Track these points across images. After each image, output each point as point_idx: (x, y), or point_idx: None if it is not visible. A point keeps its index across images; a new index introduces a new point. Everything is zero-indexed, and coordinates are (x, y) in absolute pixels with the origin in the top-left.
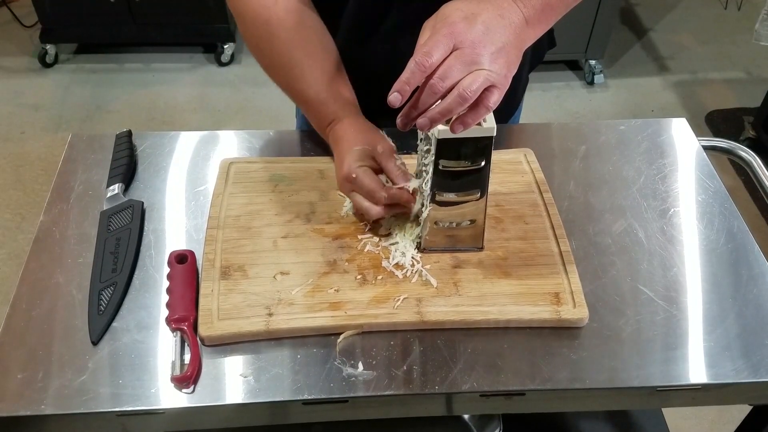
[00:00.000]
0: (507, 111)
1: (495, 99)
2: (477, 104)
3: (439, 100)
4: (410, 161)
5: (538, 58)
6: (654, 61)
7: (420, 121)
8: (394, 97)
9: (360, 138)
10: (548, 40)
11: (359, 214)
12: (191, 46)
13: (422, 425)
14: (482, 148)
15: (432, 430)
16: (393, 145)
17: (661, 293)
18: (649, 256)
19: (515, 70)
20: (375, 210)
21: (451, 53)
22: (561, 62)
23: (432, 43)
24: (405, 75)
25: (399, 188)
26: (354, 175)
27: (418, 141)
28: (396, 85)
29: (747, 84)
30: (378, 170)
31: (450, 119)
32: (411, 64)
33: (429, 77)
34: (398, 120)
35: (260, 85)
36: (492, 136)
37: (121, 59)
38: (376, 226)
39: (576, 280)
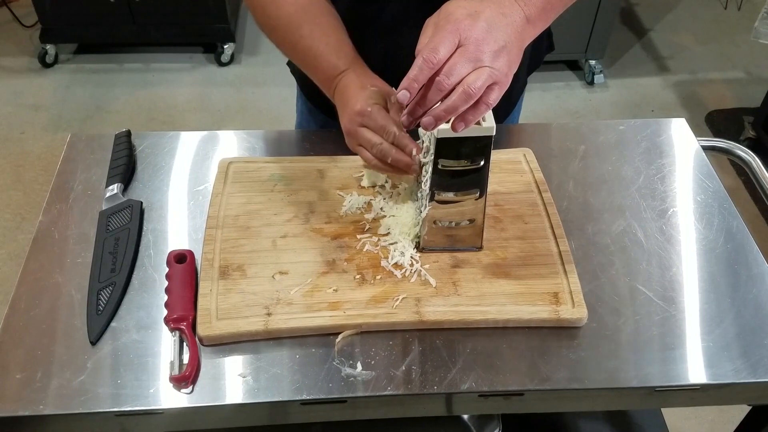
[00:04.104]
0: (503, 111)
1: (495, 96)
2: (478, 102)
3: (440, 99)
4: None
5: (536, 61)
6: (654, 61)
7: (425, 119)
8: (403, 95)
9: (374, 82)
10: (547, 43)
11: (370, 162)
12: (191, 46)
13: (421, 425)
14: (481, 147)
15: (431, 430)
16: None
17: (660, 293)
18: (648, 256)
19: (516, 68)
20: (384, 145)
21: (455, 50)
22: (561, 62)
23: (438, 40)
24: (413, 72)
25: (408, 137)
26: (369, 109)
27: (419, 142)
28: (404, 83)
29: (747, 84)
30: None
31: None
32: (419, 61)
33: (435, 74)
34: (403, 118)
35: (260, 85)
36: (491, 136)
37: (121, 59)
38: (375, 226)
39: (575, 280)
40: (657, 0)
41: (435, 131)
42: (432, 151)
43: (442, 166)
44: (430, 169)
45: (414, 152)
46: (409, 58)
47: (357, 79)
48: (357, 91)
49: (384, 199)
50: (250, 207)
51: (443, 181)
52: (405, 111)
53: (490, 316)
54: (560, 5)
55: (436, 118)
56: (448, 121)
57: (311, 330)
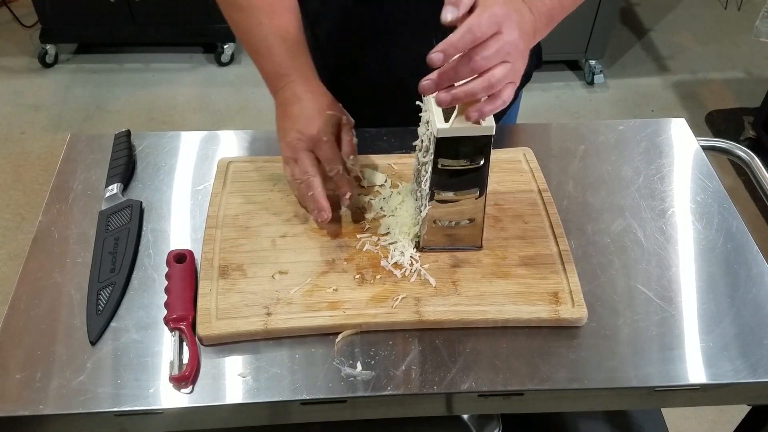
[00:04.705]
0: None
1: (509, 94)
2: (495, 96)
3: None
4: (408, 161)
5: (526, 76)
6: (654, 61)
7: (442, 95)
8: (437, 56)
9: (328, 103)
10: (537, 59)
11: (294, 180)
12: (191, 46)
13: (421, 425)
14: (481, 146)
15: (431, 430)
16: (353, 120)
17: (660, 293)
18: (647, 256)
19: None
20: (317, 180)
21: (491, 37)
22: (561, 62)
23: (486, 17)
24: (454, 37)
25: (348, 184)
26: (325, 139)
27: (418, 141)
28: (441, 45)
29: (747, 84)
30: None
31: (449, 115)
32: (463, 28)
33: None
34: (425, 83)
35: (260, 85)
36: (491, 135)
37: (121, 59)
38: (374, 225)
39: (575, 280)
40: (657, 0)
41: (435, 131)
42: (431, 150)
43: (442, 165)
44: (430, 169)
45: (347, 195)
46: (407, 61)
47: (312, 96)
48: (314, 113)
49: (384, 198)
50: (250, 207)
51: (443, 180)
52: (428, 77)
53: (490, 315)
54: (560, 17)
55: (453, 96)
56: (447, 120)
57: (311, 330)
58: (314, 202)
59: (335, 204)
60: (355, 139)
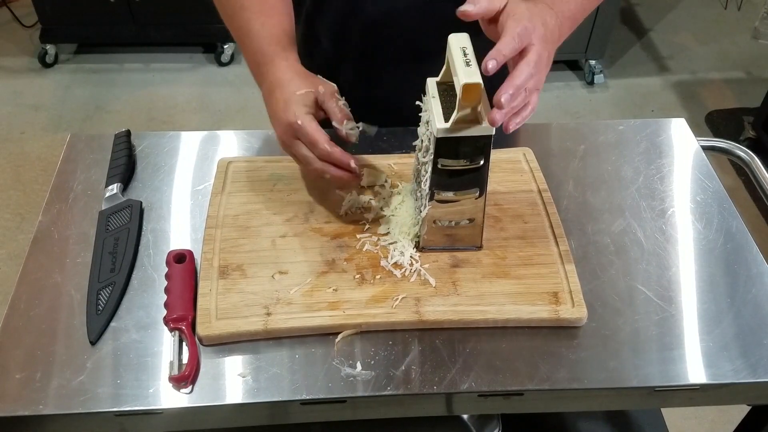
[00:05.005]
0: None
1: (536, 100)
2: (525, 105)
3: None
4: (408, 161)
5: None
6: (654, 61)
7: (498, 117)
8: (492, 64)
9: (300, 82)
10: None
11: (304, 167)
12: (191, 46)
13: (421, 425)
14: (481, 146)
15: (431, 430)
16: (334, 85)
17: (660, 293)
18: (647, 256)
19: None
20: (318, 163)
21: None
22: (561, 62)
23: (529, 26)
24: (503, 43)
25: (342, 152)
26: (300, 122)
27: (417, 141)
28: (493, 53)
29: (747, 84)
30: (322, 119)
31: (449, 116)
32: (513, 34)
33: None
34: (497, 116)
35: None
36: (491, 135)
37: (121, 59)
38: (374, 225)
39: (575, 280)
40: (657, 0)
41: (434, 130)
42: (431, 150)
43: (442, 165)
44: (430, 169)
45: (352, 164)
46: (394, 52)
47: (285, 74)
48: (285, 101)
49: (384, 198)
50: (250, 207)
51: (443, 180)
52: (502, 108)
53: (490, 315)
54: (581, 19)
55: (506, 118)
56: (447, 119)
57: (311, 330)
58: (333, 174)
59: (337, 204)
60: (342, 102)
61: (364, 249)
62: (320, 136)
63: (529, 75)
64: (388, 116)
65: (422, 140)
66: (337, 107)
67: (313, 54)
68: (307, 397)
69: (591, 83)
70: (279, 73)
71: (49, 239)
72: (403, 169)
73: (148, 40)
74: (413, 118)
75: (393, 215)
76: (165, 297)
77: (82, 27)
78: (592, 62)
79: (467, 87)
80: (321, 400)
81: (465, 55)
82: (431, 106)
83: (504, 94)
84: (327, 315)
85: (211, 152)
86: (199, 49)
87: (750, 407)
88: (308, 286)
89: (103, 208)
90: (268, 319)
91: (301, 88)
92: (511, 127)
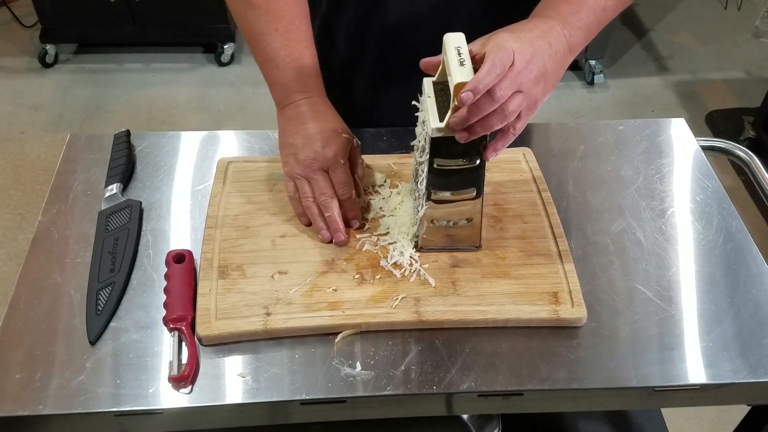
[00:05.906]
0: None
1: (521, 126)
2: (506, 130)
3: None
4: (408, 161)
5: None
6: (654, 61)
7: (460, 133)
8: (466, 96)
9: (341, 124)
10: None
11: (304, 198)
12: (191, 46)
13: (421, 425)
14: (477, 146)
15: (431, 430)
16: (359, 141)
17: (660, 293)
18: (647, 256)
19: (548, 95)
20: (335, 202)
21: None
22: None
23: (505, 55)
24: (481, 74)
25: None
26: (342, 162)
27: (415, 141)
28: (472, 83)
29: (747, 84)
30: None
31: (444, 116)
32: (493, 61)
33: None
34: (454, 120)
35: (260, 85)
36: (487, 135)
37: (121, 59)
38: (374, 225)
39: (574, 280)
40: (657, 0)
41: (430, 130)
42: (427, 150)
43: (438, 165)
44: (426, 169)
45: (341, 237)
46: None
47: (327, 116)
48: (331, 135)
49: (383, 198)
50: (250, 206)
51: (439, 180)
52: (463, 111)
53: (490, 315)
54: (596, 30)
55: (471, 131)
56: (441, 119)
57: (310, 330)
58: (332, 224)
59: None
60: (361, 161)
61: (363, 249)
62: (350, 181)
63: (495, 77)
64: (401, 120)
65: (419, 140)
66: (362, 164)
67: (329, 57)
68: (307, 397)
69: (591, 83)
70: (319, 105)
71: (48, 239)
72: (402, 169)
73: (148, 40)
74: None
75: (392, 215)
76: (164, 297)
77: (82, 27)
78: (592, 62)
79: (460, 86)
80: (321, 400)
81: (459, 54)
82: (427, 105)
83: (464, 92)
84: (327, 315)
85: (210, 152)
86: (199, 49)
87: (750, 407)
88: (308, 286)
89: (102, 208)
90: (268, 319)
91: (344, 131)
92: (489, 155)
